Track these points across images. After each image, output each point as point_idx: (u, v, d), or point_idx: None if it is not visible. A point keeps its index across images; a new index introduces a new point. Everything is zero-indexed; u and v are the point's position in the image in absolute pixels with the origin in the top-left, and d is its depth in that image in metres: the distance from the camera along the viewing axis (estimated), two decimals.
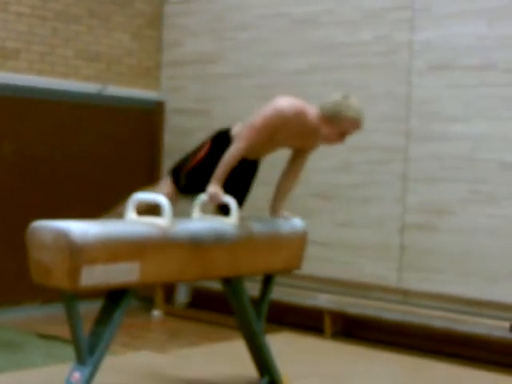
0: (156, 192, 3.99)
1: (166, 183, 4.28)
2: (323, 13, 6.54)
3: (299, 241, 4.32)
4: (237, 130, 4.10)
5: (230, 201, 3.92)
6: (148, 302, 7.02)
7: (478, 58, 5.74)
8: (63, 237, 3.19)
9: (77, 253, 3.18)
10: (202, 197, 3.99)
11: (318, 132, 4.04)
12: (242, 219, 3.99)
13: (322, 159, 6.01)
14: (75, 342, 3.39)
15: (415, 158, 6.00)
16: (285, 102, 3.99)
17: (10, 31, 6.54)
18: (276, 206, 4.27)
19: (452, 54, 5.86)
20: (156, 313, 6.96)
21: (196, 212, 4.04)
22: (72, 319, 3.35)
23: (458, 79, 5.82)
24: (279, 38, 6.80)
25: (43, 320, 6.36)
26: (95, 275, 3.26)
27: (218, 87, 7.17)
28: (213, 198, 3.92)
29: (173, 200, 3.96)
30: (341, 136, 4.06)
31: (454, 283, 5.77)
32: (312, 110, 4.04)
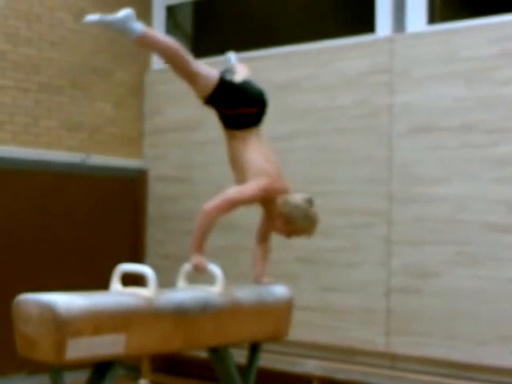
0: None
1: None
2: (302, 78, 6.62)
3: (285, 308, 4.29)
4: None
5: (216, 270, 3.92)
6: (135, 371, 6.96)
7: (457, 119, 5.81)
8: (48, 310, 3.17)
9: (62, 326, 3.16)
10: (186, 267, 3.99)
11: (274, 215, 4.07)
12: (226, 287, 3.98)
13: None
14: None
15: (398, 221, 6.03)
16: (268, 184, 3.98)
17: None
18: (257, 273, 4.27)
19: (432, 116, 5.92)
20: (143, 382, 6.89)
21: (181, 281, 4.03)
22: None
23: (438, 141, 5.88)
24: None
25: None
26: (81, 348, 3.23)
27: (200, 154, 7.21)
28: (198, 268, 3.90)
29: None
30: (288, 234, 4.05)
31: (441, 347, 5.75)
32: (280, 194, 4.05)
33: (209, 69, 4.09)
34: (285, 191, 4.04)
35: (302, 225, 3.96)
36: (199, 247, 3.92)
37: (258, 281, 4.26)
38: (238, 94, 4.11)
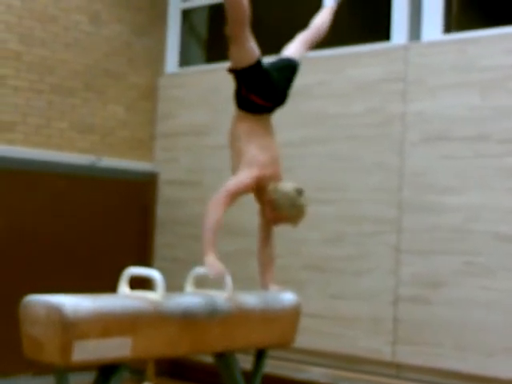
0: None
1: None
2: (316, 85, 6.61)
3: (292, 315, 4.28)
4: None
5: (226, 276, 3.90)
6: (139, 374, 6.95)
7: (471, 129, 5.77)
8: (56, 312, 3.17)
9: (69, 328, 3.15)
10: (198, 270, 3.96)
11: (265, 202, 4.11)
12: (234, 293, 3.96)
13: (314, 231, 6.01)
14: None
15: (408, 230, 6.00)
16: (256, 173, 4.02)
17: (7, 105, 6.61)
18: (264, 280, 4.25)
19: (445, 125, 5.89)
20: None
21: (189, 286, 4.02)
22: None
23: (451, 150, 5.85)
24: None
25: None
26: (87, 350, 3.22)
27: (211, 158, 7.21)
28: (212, 267, 3.82)
29: None
30: (275, 221, 4.10)
31: (449, 358, 5.71)
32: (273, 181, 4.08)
33: (255, 46, 4.05)
34: (277, 178, 4.08)
35: (288, 213, 3.99)
36: (211, 246, 3.85)
37: (265, 287, 4.25)
38: (263, 84, 4.10)
